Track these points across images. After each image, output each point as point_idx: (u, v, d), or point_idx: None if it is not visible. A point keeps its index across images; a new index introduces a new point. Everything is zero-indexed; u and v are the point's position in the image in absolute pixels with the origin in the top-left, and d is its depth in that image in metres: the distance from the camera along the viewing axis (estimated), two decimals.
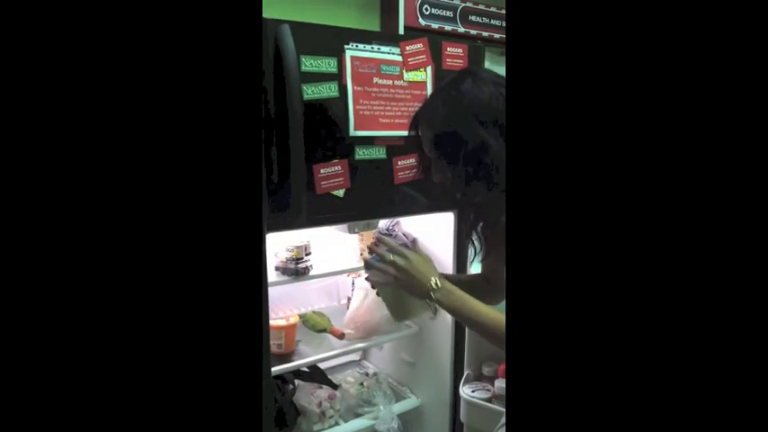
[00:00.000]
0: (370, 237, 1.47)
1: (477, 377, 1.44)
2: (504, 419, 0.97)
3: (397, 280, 0.85)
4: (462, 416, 1.39)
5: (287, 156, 1.02)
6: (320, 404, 1.47)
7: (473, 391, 1.36)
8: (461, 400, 1.37)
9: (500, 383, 1.35)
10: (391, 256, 0.86)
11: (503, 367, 1.41)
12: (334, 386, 1.55)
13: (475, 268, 1.24)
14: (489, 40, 2.38)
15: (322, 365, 1.58)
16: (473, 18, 2.35)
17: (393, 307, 1.00)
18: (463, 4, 2.30)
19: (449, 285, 0.84)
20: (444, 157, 0.81)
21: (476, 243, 0.96)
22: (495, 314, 0.81)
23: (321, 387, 1.53)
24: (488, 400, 1.33)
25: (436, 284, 0.83)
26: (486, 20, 2.40)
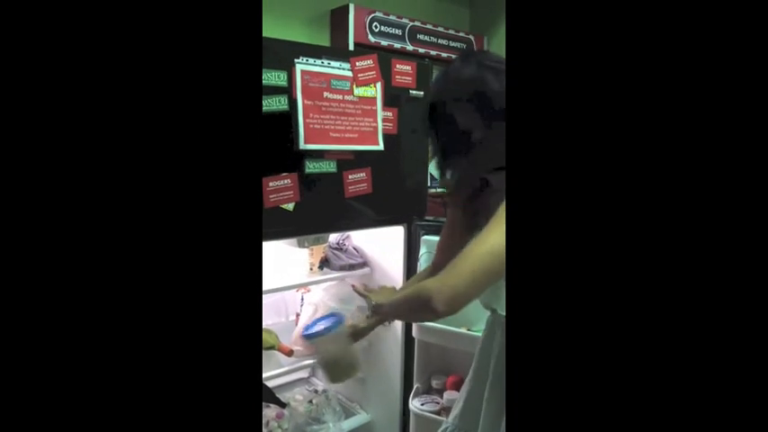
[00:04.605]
0: (320, 251, 1.46)
1: (427, 390, 1.45)
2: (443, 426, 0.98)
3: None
4: (412, 429, 1.39)
5: None
6: (267, 423, 1.43)
7: (422, 404, 1.37)
8: (411, 413, 1.38)
9: (448, 396, 1.36)
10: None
11: (451, 379, 1.43)
12: (282, 404, 1.51)
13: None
14: (437, 59, 2.45)
15: (270, 383, 1.54)
16: (421, 37, 2.41)
17: (332, 371, 1.06)
18: (411, 23, 2.36)
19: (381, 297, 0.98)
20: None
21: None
22: (410, 287, 0.89)
23: (269, 406, 1.48)
24: (437, 413, 1.34)
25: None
26: (433, 39, 2.46)
